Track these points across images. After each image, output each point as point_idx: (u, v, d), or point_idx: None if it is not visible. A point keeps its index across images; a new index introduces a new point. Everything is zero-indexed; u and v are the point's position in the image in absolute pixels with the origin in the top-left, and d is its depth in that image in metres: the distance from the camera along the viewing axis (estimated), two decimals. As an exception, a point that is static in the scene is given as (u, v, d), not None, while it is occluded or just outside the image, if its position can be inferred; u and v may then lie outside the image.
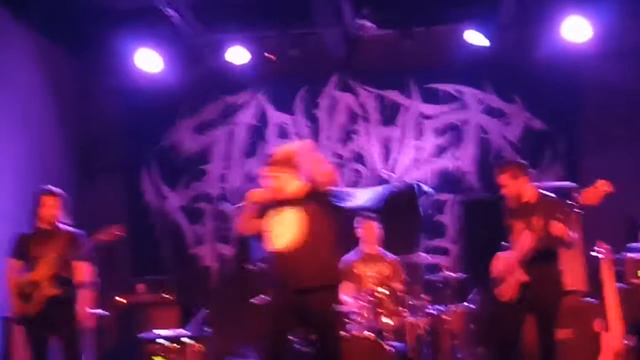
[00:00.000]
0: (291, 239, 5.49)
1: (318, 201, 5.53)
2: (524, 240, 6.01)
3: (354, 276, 7.45)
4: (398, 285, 7.24)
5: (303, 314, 5.50)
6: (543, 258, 6.01)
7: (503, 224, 6.28)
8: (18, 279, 6.28)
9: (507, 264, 6.12)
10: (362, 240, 7.60)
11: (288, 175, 5.61)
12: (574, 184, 8.02)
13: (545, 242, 5.95)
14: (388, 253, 7.59)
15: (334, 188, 5.61)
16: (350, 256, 7.59)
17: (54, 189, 6.49)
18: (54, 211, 6.40)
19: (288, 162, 5.64)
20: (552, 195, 6.30)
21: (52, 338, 6.33)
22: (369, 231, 7.56)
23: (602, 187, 5.72)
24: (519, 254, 6.01)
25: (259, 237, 5.73)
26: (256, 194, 5.64)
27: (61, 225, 6.44)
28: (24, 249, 6.35)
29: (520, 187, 6.14)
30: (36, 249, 6.31)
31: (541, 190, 6.26)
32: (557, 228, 5.83)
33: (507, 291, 6.08)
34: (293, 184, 5.61)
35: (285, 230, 5.53)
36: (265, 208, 5.63)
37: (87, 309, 6.45)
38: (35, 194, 6.44)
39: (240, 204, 5.81)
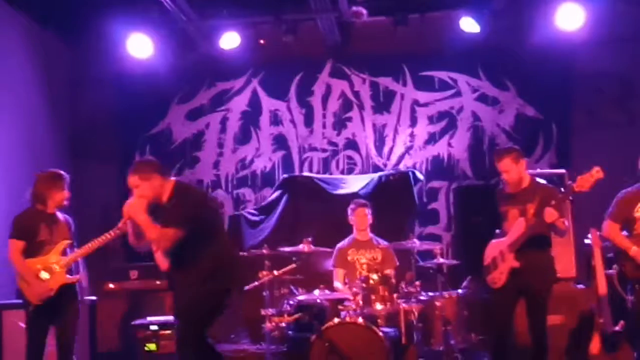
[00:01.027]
0: (165, 260, 5.56)
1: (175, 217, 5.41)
2: (517, 227, 6.02)
3: (347, 263, 7.47)
4: (390, 272, 7.27)
5: None
6: (536, 245, 6.04)
7: (497, 210, 6.28)
8: (29, 263, 6.19)
9: (498, 251, 6.13)
10: (355, 227, 7.62)
11: (151, 182, 5.52)
12: (563, 171, 8.06)
13: (539, 228, 5.97)
14: (380, 239, 7.61)
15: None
16: (343, 243, 7.61)
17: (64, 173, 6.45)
18: (66, 195, 6.37)
19: (144, 171, 5.55)
20: (545, 182, 6.31)
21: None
22: (361, 218, 7.59)
23: (597, 173, 5.76)
24: (510, 240, 6.02)
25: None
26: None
27: (57, 211, 6.41)
28: (28, 230, 6.24)
29: (520, 171, 6.15)
30: (44, 233, 6.25)
31: (535, 178, 6.27)
32: (551, 215, 5.85)
33: (499, 278, 6.10)
34: (158, 190, 5.55)
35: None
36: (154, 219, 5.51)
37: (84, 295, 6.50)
38: (54, 176, 6.36)
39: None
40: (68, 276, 6.29)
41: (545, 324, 6.07)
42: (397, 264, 7.54)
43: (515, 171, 6.14)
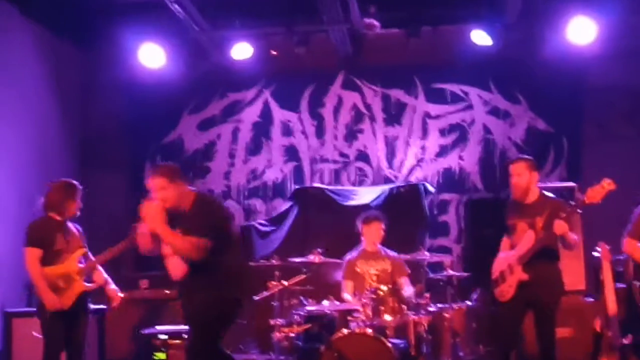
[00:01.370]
0: (180, 270, 5.43)
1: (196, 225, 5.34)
2: (526, 239, 6.02)
3: (356, 275, 7.45)
4: (404, 279, 7.27)
5: None
6: (544, 257, 6.02)
7: (505, 222, 6.28)
8: (47, 271, 6.16)
9: (507, 264, 6.12)
10: (365, 239, 7.58)
11: (174, 188, 5.44)
12: (573, 184, 8.04)
13: (547, 241, 5.97)
14: (389, 250, 7.59)
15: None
16: (352, 255, 7.59)
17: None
18: (79, 205, 6.40)
19: (171, 176, 5.48)
20: (553, 196, 6.31)
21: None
22: (376, 232, 7.51)
23: (608, 185, 5.76)
24: (519, 253, 6.02)
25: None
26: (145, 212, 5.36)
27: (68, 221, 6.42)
28: (45, 238, 6.21)
29: (531, 181, 6.15)
30: (61, 242, 6.25)
31: (544, 192, 6.27)
32: (561, 227, 5.84)
33: (507, 290, 6.08)
34: (179, 198, 5.46)
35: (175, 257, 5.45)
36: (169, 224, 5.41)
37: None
38: (71, 186, 6.38)
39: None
40: (86, 284, 6.32)
41: (554, 336, 6.04)
42: (409, 271, 7.50)
43: (526, 178, 6.13)
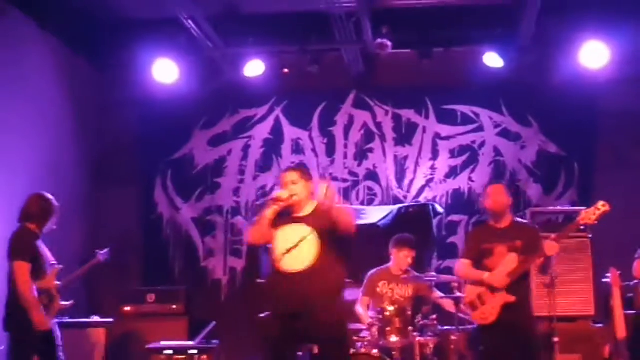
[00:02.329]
0: (306, 262, 5.44)
1: (328, 225, 5.48)
2: (508, 262, 6.00)
3: (375, 294, 7.38)
4: (435, 295, 7.29)
5: (306, 337, 5.54)
6: (523, 281, 6.07)
7: (476, 247, 6.26)
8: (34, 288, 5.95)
9: (485, 286, 6.07)
10: (393, 260, 7.49)
11: (305, 185, 5.62)
12: (581, 209, 8.02)
13: (531, 264, 6.06)
14: (416, 274, 7.46)
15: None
16: (375, 272, 7.53)
17: None
18: (56, 220, 6.32)
19: (307, 174, 5.69)
20: (525, 220, 6.35)
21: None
22: (402, 257, 7.41)
23: (603, 207, 5.78)
24: (502, 275, 5.98)
25: (268, 248, 5.69)
26: (283, 195, 5.56)
27: None
28: (33, 251, 6.03)
29: (508, 204, 6.22)
30: (42, 256, 6.10)
31: (515, 218, 6.32)
32: (552, 248, 5.88)
33: (491, 312, 6.03)
34: (307, 198, 5.62)
35: (298, 250, 5.48)
36: (277, 218, 5.59)
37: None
38: (47, 199, 6.28)
39: (263, 204, 5.74)
40: (62, 302, 6.24)
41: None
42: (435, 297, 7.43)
43: (505, 200, 6.19)
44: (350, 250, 5.71)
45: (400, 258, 7.40)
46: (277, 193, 5.59)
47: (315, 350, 5.99)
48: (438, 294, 7.34)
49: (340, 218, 5.44)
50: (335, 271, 5.54)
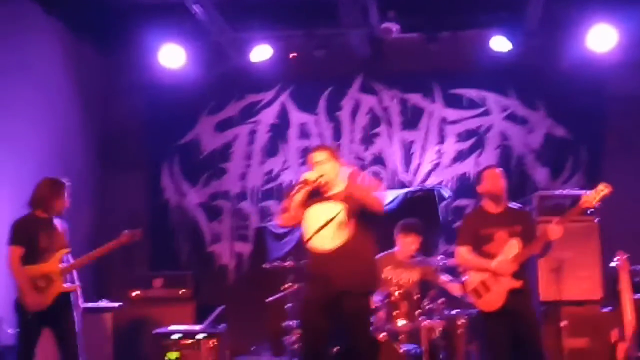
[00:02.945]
0: (337, 240, 5.49)
1: (358, 203, 5.52)
2: (510, 247, 5.91)
3: (381, 279, 7.35)
4: (442, 279, 7.24)
5: (338, 315, 5.55)
6: (525, 266, 5.98)
7: (474, 232, 6.11)
8: (28, 271, 6.11)
9: (488, 273, 5.97)
10: (398, 246, 7.40)
11: (334, 165, 5.67)
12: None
13: (535, 249, 5.92)
14: (421, 258, 7.40)
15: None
16: (381, 256, 7.43)
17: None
18: (67, 203, 6.38)
19: (335, 153, 5.75)
20: (518, 205, 6.27)
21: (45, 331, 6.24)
22: (408, 243, 7.31)
23: (603, 190, 5.73)
24: (509, 262, 5.89)
25: (299, 228, 5.74)
26: (312, 176, 5.61)
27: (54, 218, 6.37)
28: (28, 236, 6.16)
29: (504, 189, 6.10)
30: (44, 240, 6.20)
31: (509, 203, 6.18)
32: (556, 232, 5.77)
33: (496, 300, 5.91)
34: (336, 177, 5.67)
35: (329, 229, 5.53)
36: (307, 198, 5.64)
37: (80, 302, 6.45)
38: (57, 183, 6.34)
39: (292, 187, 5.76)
40: (65, 285, 6.26)
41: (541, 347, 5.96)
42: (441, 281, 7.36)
43: (504, 184, 6.08)
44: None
45: (406, 244, 7.32)
46: (306, 175, 5.63)
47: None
48: (444, 277, 7.31)
49: (369, 196, 5.49)
50: (366, 248, 5.59)
